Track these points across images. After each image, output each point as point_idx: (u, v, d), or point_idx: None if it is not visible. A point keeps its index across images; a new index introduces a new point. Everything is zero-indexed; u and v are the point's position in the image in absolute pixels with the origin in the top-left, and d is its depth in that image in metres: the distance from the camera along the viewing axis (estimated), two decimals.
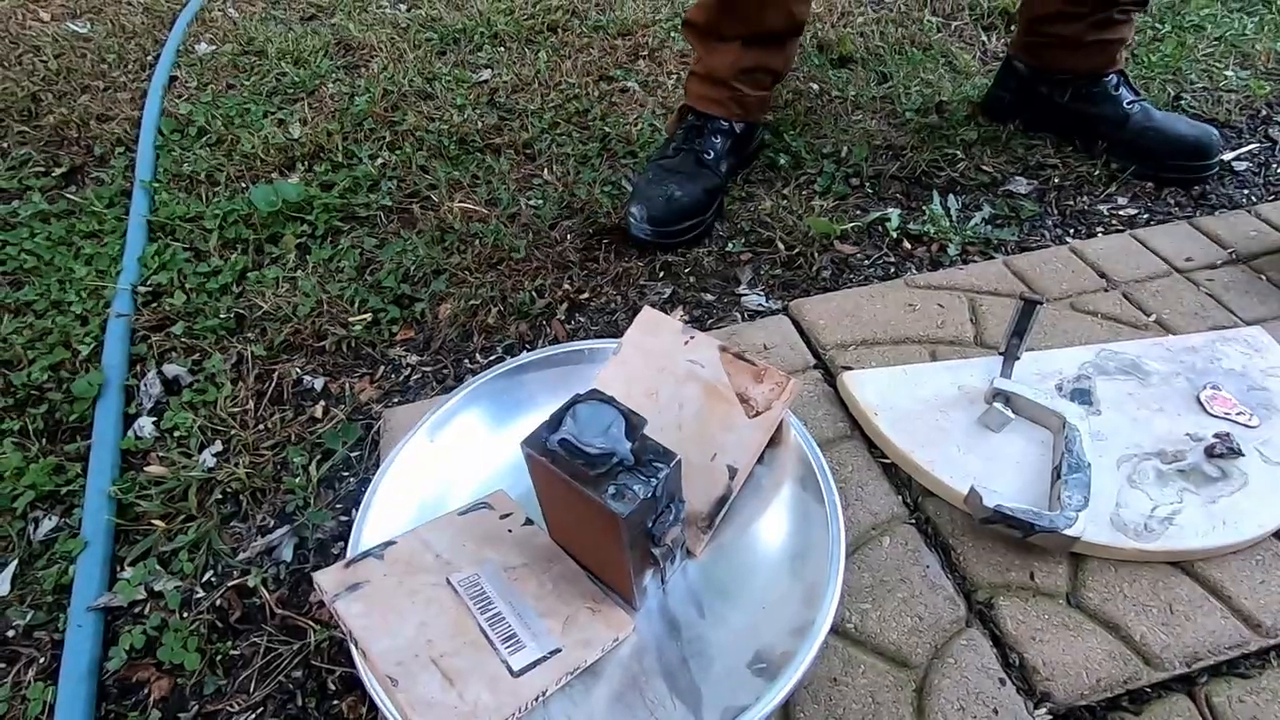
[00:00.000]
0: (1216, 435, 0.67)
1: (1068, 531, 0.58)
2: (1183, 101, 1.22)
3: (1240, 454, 0.65)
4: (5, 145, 1.22)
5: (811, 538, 0.58)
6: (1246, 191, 1.05)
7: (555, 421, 0.51)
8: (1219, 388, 0.71)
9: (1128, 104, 1.05)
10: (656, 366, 0.70)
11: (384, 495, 0.64)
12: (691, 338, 0.70)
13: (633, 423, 0.50)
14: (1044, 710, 0.52)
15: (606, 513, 0.48)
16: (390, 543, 0.59)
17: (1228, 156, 1.10)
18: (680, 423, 0.66)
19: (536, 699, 0.50)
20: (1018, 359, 0.71)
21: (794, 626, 0.53)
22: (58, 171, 1.16)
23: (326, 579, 0.55)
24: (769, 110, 1.10)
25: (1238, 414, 0.69)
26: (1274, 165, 1.10)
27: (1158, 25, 1.44)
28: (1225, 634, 0.56)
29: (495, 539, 0.61)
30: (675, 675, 0.54)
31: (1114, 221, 1.00)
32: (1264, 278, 0.87)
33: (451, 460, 0.68)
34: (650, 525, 0.51)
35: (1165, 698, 0.53)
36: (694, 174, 0.97)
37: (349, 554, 0.59)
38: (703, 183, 0.96)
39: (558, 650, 0.53)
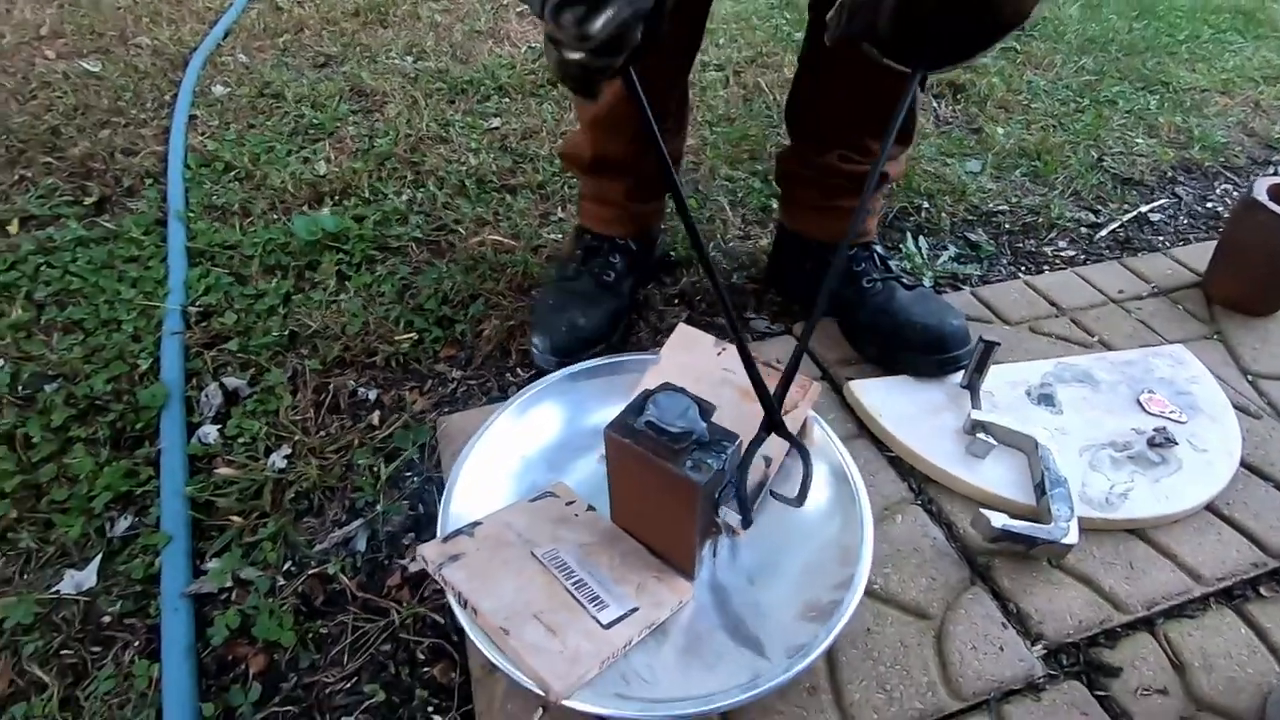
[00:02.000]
0: (1155, 429, 0.81)
1: (1065, 540, 0.67)
2: (1104, 163, 1.43)
3: (1175, 443, 0.79)
4: (31, 175, 1.25)
5: (841, 511, 0.69)
6: (1161, 238, 1.24)
7: (637, 408, 0.60)
8: (1154, 392, 0.86)
9: (867, 282, 0.92)
10: (694, 374, 0.80)
11: (461, 487, 0.71)
12: (723, 349, 0.81)
13: (704, 408, 0.60)
14: (1040, 647, 0.63)
15: (685, 482, 0.57)
16: (477, 523, 0.67)
17: (1145, 208, 1.30)
18: (719, 422, 0.76)
19: (624, 647, 0.58)
20: (980, 391, 0.84)
21: (836, 582, 0.62)
22: (88, 201, 1.20)
23: (430, 551, 0.62)
24: (663, 220, 1.06)
25: (1170, 412, 0.83)
26: (1181, 217, 1.30)
27: (1079, 99, 1.67)
28: (1174, 584, 0.68)
29: (566, 521, 0.69)
30: (735, 629, 0.62)
31: (1057, 260, 1.18)
32: (1180, 307, 1.05)
33: (515, 456, 0.76)
34: (717, 495, 0.60)
35: (1133, 635, 0.65)
36: (595, 297, 0.92)
37: (439, 533, 0.66)
38: (606, 305, 0.92)
39: (636, 609, 0.61)
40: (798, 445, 0.64)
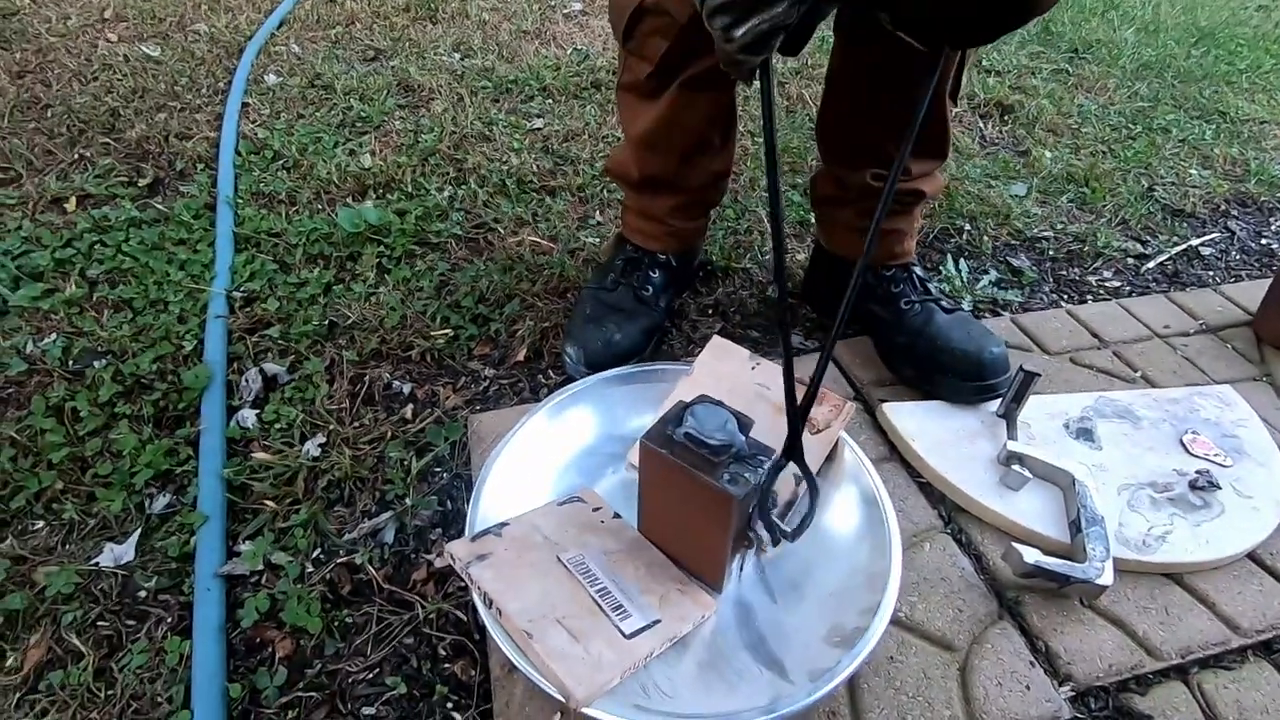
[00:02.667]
0: (1198, 472, 0.79)
1: (1099, 581, 0.65)
2: (1155, 193, 1.40)
3: (1218, 487, 0.77)
4: (89, 154, 1.29)
5: (869, 535, 0.68)
6: (1211, 273, 1.21)
7: (676, 419, 0.60)
8: (1198, 433, 0.84)
9: (905, 303, 0.91)
10: (727, 387, 0.80)
11: (490, 486, 0.72)
12: (758, 364, 0.81)
13: (743, 422, 0.60)
14: (1068, 688, 0.62)
15: (721, 495, 0.57)
16: (504, 524, 0.67)
17: (1195, 241, 1.27)
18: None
19: (646, 658, 0.58)
20: (1017, 421, 0.83)
21: (862, 607, 0.62)
22: (142, 182, 1.24)
23: (459, 549, 0.63)
24: (705, 236, 1.07)
25: (1214, 455, 0.81)
26: (1233, 252, 1.27)
27: (1131, 126, 1.64)
28: (1212, 633, 0.66)
29: (592, 527, 0.69)
30: (757, 648, 0.62)
31: (1101, 291, 1.15)
32: (1229, 346, 1.02)
33: (545, 459, 0.76)
34: (751, 510, 0.60)
35: (1165, 683, 0.64)
36: (633, 312, 0.93)
37: (468, 531, 0.67)
38: (641, 322, 0.92)
39: (658, 621, 0.61)
40: (810, 479, 0.63)
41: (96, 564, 0.71)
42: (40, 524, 0.74)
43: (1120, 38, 2.10)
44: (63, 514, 0.74)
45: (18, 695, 0.62)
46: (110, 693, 0.62)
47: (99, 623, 0.67)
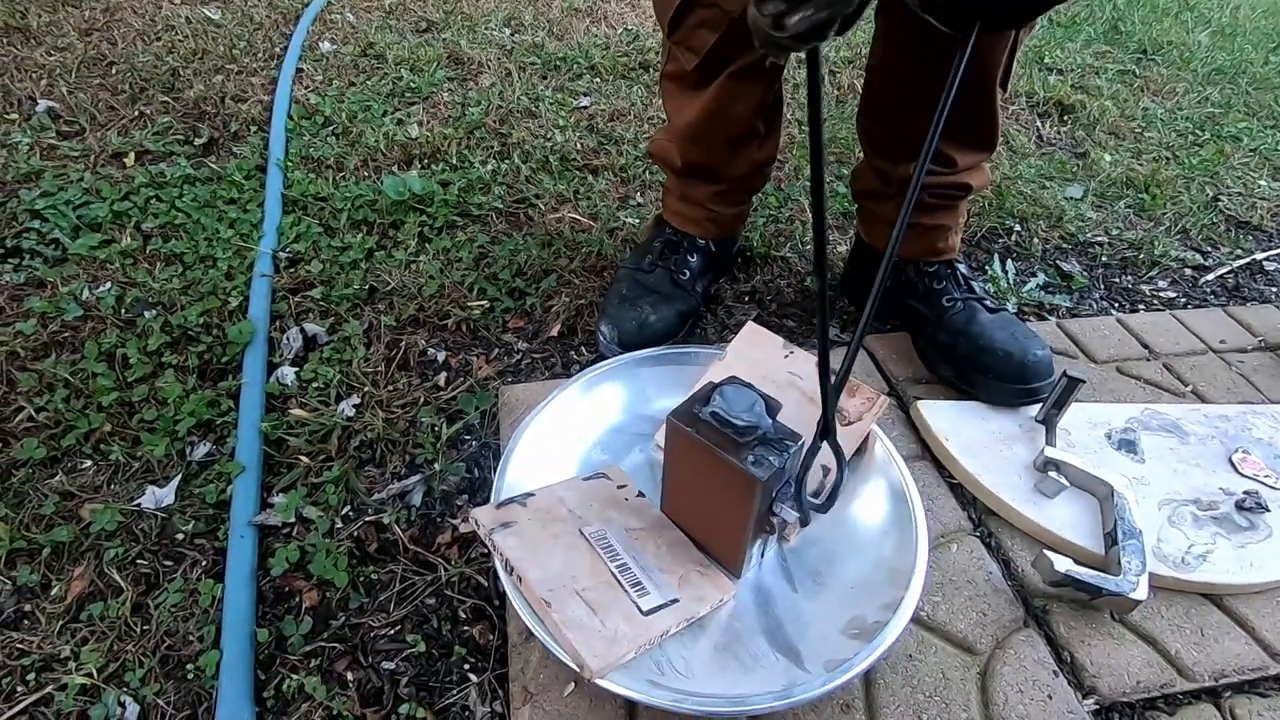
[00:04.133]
0: (1246, 492, 0.76)
1: (1132, 595, 0.63)
2: (1219, 203, 1.34)
3: (1267, 509, 0.74)
4: (149, 112, 1.33)
5: (895, 531, 0.67)
6: (1275, 289, 1.16)
7: (704, 398, 0.60)
8: (1249, 452, 0.81)
9: (947, 300, 0.89)
10: (759, 373, 0.79)
11: (518, 456, 0.72)
12: (791, 352, 0.80)
13: (771, 405, 0.59)
14: (1091, 701, 0.61)
15: (745, 477, 0.57)
16: (530, 494, 0.68)
17: (1260, 255, 1.21)
18: None
19: (662, 635, 0.59)
20: (1056, 427, 0.80)
21: (883, 602, 0.61)
22: (198, 141, 1.27)
23: (484, 515, 0.64)
24: (745, 222, 1.05)
25: (1265, 476, 0.78)
26: None
27: (1198, 132, 1.57)
28: (1248, 658, 0.64)
29: (616, 504, 0.70)
30: (774, 634, 0.62)
31: (1155, 301, 1.11)
32: None
33: (572, 434, 0.77)
34: (775, 494, 0.60)
35: (1195, 704, 0.62)
36: (669, 295, 0.92)
37: (493, 499, 0.68)
38: (677, 305, 0.92)
39: (677, 600, 0.61)
40: (838, 452, 0.63)
41: (139, 505, 0.73)
42: (88, 463, 0.77)
43: (1193, 40, 2.01)
44: (109, 455, 0.77)
45: (60, 623, 0.64)
46: (146, 627, 0.64)
47: (138, 560, 0.69)
